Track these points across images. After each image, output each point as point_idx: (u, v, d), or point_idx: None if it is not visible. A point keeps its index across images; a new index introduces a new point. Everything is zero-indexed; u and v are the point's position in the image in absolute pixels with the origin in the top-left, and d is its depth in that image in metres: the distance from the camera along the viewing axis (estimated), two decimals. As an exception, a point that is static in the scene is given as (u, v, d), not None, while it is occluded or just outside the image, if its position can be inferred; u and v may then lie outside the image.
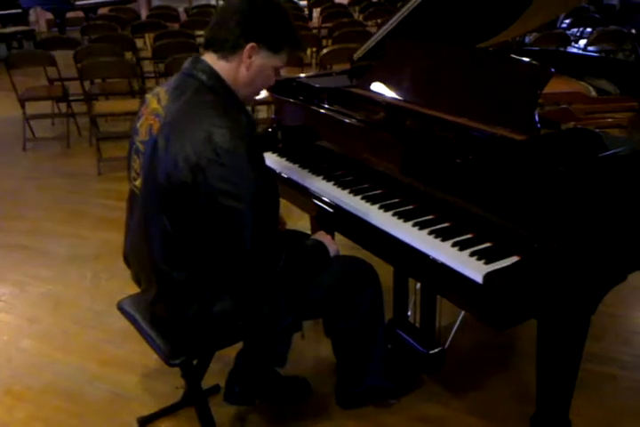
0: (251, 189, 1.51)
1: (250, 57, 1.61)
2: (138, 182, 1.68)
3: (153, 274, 1.69)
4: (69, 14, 9.23)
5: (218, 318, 1.67)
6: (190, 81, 1.61)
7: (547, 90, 1.81)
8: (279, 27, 1.64)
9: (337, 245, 1.84)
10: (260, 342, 2.00)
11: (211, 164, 1.47)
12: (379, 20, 7.54)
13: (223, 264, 1.63)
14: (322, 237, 1.84)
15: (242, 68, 1.63)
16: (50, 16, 9.83)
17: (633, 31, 1.85)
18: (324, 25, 7.54)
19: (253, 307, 1.70)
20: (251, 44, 1.60)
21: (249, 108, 5.21)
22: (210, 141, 1.47)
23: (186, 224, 1.57)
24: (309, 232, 2.41)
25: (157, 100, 1.65)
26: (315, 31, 7.03)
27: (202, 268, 1.63)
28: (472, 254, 1.54)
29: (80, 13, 9.38)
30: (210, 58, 1.63)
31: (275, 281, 1.67)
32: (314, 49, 6.41)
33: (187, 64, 1.66)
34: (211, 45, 1.64)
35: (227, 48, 1.61)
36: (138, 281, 1.84)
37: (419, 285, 2.36)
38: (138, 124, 1.70)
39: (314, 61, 6.11)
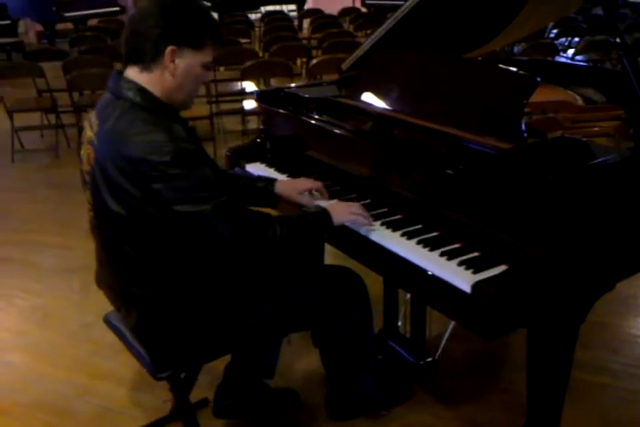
0: (202, 188, 1.51)
1: (173, 61, 1.54)
2: (93, 213, 1.67)
3: (130, 300, 1.69)
4: (59, 26, 9.24)
5: (202, 329, 1.67)
6: (117, 101, 1.56)
7: (534, 99, 1.81)
8: (195, 21, 1.55)
9: (353, 208, 1.77)
10: (249, 353, 1.98)
11: (158, 181, 1.46)
12: (368, 31, 7.58)
13: (211, 263, 1.63)
14: (332, 205, 1.79)
15: (166, 75, 1.56)
16: (39, 27, 9.83)
17: (618, 40, 1.86)
18: (313, 35, 7.58)
19: (238, 317, 1.69)
20: (170, 48, 1.52)
21: (239, 118, 5.24)
22: (147, 160, 1.44)
23: (154, 244, 1.57)
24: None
25: (90, 127, 1.61)
26: (304, 42, 7.05)
27: (179, 281, 1.63)
28: (460, 264, 1.53)
29: (70, 25, 9.40)
30: (132, 72, 1.57)
31: (279, 253, 1.64)
32: (304, 59, 6.44)
33: (110, 83, 1.60)
34: (130, 59, 1.57)
35: (146, 58, 1.54)
36: (117, 308, 1.84)
37: (409, 295, 2.35)
38: (81, 153, 1.67)
39: (304, 71, 6.13)
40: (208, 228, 1.53)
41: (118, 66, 6.10)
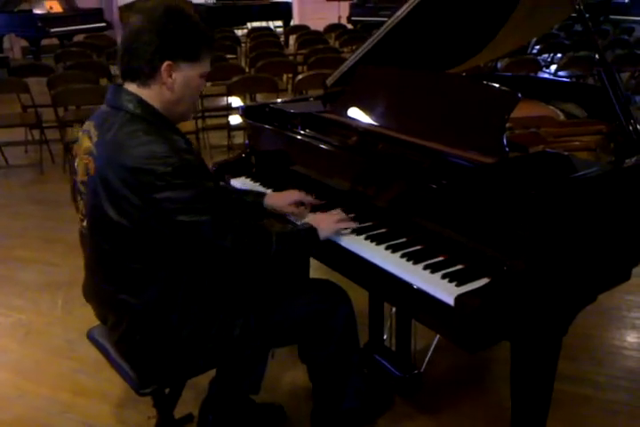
0: (203, 200, 1.53)
1: (170, 76, 1.56)
2: (86, 224, 1.67)
3: (119, 309, 1.68)
4: (44, 41, 9.24)
5: (187, 341, 1.66)
6: (116, 113, 1.57)
7: (517, 114, 1.84)
8: (189, 34, 1.56)
9: (334, 217, 1.81)
10: (234, 368, 1.97)
11: (160, 191, 1.48)
12: (354, 47, 7.64)
13: (201, 275, 1.65)
14: (316, 219, 1.82)
15: (164, 90, 1.58)
16: (25, 43, 9.84)
17: (597, 57, 1.90)
18: (299, 51, 7.63)
19: (224, 327, 1.69)
20: (166, 64, 1.54)
21: (224, 133, 5.25)
22: (150, 170, 1.46)
23: (150, 254, 1.58)
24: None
25: (89, 137, 1.62)
26: (291, 58, 7.10)
27: (170, 291, 1.63)
28: (444, 277, 1.54)
29: (55, 40, 9.41)
30: (131, 87, 1.59)
31: (271, 266, 1.68)
32: (290, 75, 6.48)
33: (109, 95, 1.62)
34: (127, 76, 1.59)
35: (142, 75, 1.56)
36: (103, 321, 1.83)
37: (394, 308, 2.36)
38: (75, 164, 1.68)
39: (290, 87, 6.16)
40: (207, 237, 1.55)
41: (104, 82, 6.13)
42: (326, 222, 1.79)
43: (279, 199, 2.00)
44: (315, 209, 2.00)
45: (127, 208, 1.51)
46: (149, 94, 1.58)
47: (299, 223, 1.93)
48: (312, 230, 1.75)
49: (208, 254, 1.61)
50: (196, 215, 1.51)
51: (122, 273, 1.62)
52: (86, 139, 1.62)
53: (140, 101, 1.57)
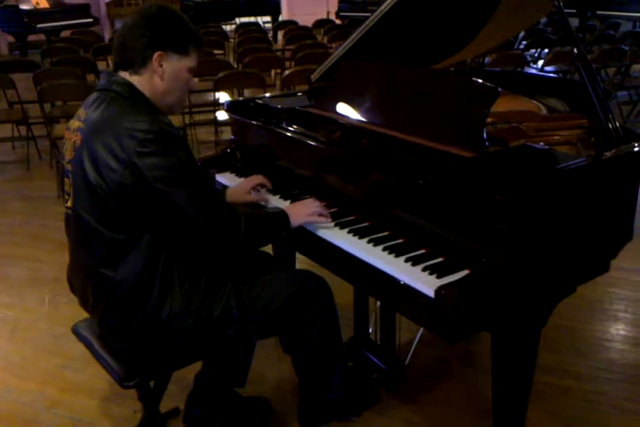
0: (182, 169, 1.61)
1: (160, 65, 1.69)
2: (70, 203, 1.72)
3: (100, 285, 1.70)
4: (31, 37, 9.19)
5: (167, 320, 1.68)
6: (106, 93, 1.69)
7: (500, 108, 1.85)
8: (179, 29, 1.70)
9: (311, 208, 1.86)
10: (219, 361, 1.98)
11: (140, 156, 1.55)
12: (342, 42, 7.63)
13: (181, 249, 1.70)
14: (291, 206, 1.91)
15: (156, 78, 1.70)
16: (11, 39, 9.77)
17: (575, 51, 1.91)
18: (287, 47, 7.63)
19: (204, 307, 1.71)
20: (157, 53, 1.67)
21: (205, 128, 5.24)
22: (133, 136, 1.56)
23: (127, 223, 1.62)
24: (270, 253, 2.42)
25: (78, 118, 1.72)
26: (278, 53, 7.09)
27: (149, 265, 1.66)
28: (425, 269, 1.56)
29: (42, 36, 9.35)
30: (123, 74, 1.71)
31: (238, 248, 1.77)
32: (277, 70, 6.47)
33: (101, 80, 1.74)
34: (120, 66, 1.71)
35: (136, 64, 1.68)
36: (84, 304, 1.84)
37: (379, 302, 2.37)
38: (64, 149, 1.75)
39: (277, 82, 6.16)
40: (181, 209, 1.61)
41: (91, 78, 6.09)
42: (299, 211, 1.86)
43: (238, 191, 2.11)
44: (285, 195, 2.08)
45: (106, 172, 1.58)
46: (140, 81, 1.70)
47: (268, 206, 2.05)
48: (282, 215, 1.83)
49: (180, 227, 1.65)
50: (174, 186, 1.59)
51: (102, 245, 1.65)
52: (76, 121, 1.72)
53: (130, 86, 1.68)
